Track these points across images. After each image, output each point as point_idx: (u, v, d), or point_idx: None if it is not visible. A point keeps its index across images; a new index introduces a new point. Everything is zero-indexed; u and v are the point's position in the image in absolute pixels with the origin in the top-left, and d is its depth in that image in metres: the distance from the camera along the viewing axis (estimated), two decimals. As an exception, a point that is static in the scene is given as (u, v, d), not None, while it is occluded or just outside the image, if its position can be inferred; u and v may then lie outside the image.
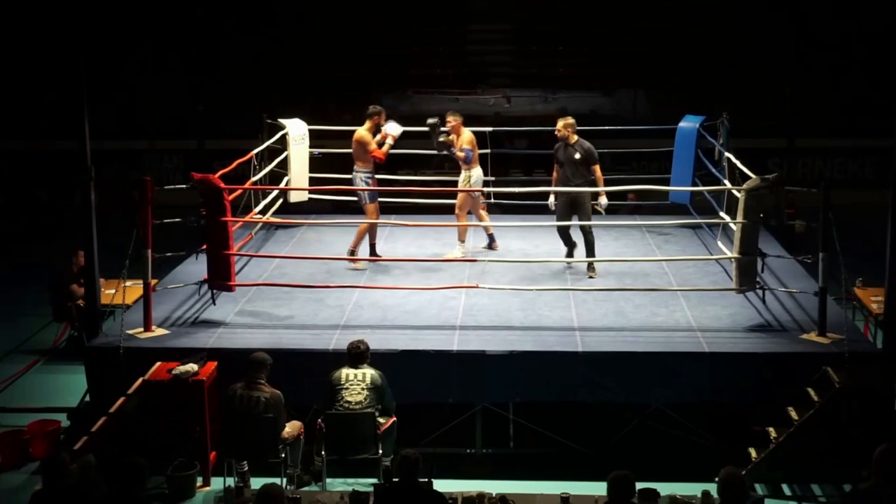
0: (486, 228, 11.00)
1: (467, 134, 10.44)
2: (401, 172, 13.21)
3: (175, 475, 7.64)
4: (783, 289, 9.46)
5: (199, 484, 7.77)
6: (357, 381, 7.72)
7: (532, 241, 11.22)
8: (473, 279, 9.57)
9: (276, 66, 18.13)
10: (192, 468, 7.71)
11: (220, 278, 8.90)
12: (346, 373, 7.77)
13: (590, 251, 9.99)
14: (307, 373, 8.08)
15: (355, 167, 10.35)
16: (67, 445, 7.58)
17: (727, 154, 10.72)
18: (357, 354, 7.83)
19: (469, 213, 10.68)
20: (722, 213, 10.48)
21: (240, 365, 7.76)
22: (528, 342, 8.38)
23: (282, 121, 11.57)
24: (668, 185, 11.54)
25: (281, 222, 11.49)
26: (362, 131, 10.26)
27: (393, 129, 10.21)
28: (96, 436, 7.47)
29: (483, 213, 10.94)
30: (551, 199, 10.35)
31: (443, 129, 10.50)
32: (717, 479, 6.06)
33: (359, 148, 10.24)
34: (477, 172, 10.49)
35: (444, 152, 10.49)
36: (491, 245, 10.97)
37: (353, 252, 10.32)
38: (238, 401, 7.57)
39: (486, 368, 8.20)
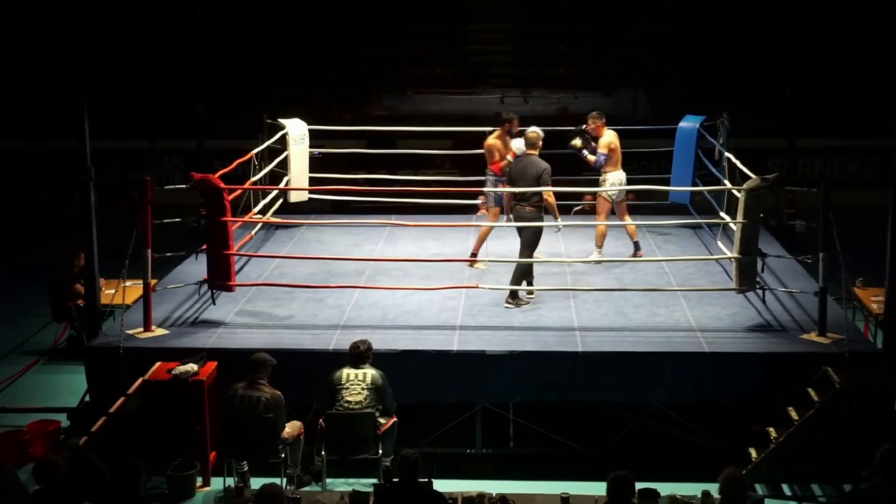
0: (630, 235, 10.56)
1: (607, 136, 10.32)
2: (401, 172, 13.21)
3: (175, 475, 7.65)
4: (783, 289, 9.46)
5: (199, 484, 7.78)
6: (357, 382, 7.72)
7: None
8: (473, 279, 9.57)
9: (276, 66, 18.10)
10: (192, 468, 7.71)
11: (220, 278, 8.90)
12: (346, 373, 7.77)
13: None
14: (307, 373, 8.07)
15: (487, 170, 10.33)
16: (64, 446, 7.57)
17: (727, 154, 10.72)
18: (358, 354, 7.83)
19: (612, 214, 10.44)
20: (722, 213, 10.47)
21: (240, 365, 7.77)
22: (528, 342, 8.38)
23: (282, 121, 11.57)
24: (668, 185, 11.52)
25: (281, 222, 11.48)
26: (492, 139, 10.22)
27: (517, 145, 9.98)
28: (96, 436, 7.46)
29: (627, 216, 10.63)
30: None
31: (584, 130, 10.44)
32: (717, 479, 6.07)
33: (488, 154, 10.26)
34: (614, 176, 10.29)
35: (577, 151, 10.42)
36: (636, 252, 10.48)
37: (474, 254, 10.21)
38: (238, 401, 7.57)
39: (486, 368, 8.20)
